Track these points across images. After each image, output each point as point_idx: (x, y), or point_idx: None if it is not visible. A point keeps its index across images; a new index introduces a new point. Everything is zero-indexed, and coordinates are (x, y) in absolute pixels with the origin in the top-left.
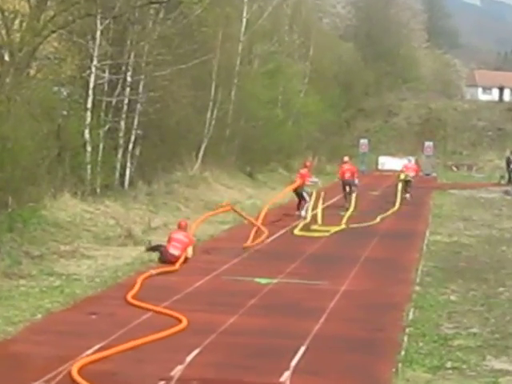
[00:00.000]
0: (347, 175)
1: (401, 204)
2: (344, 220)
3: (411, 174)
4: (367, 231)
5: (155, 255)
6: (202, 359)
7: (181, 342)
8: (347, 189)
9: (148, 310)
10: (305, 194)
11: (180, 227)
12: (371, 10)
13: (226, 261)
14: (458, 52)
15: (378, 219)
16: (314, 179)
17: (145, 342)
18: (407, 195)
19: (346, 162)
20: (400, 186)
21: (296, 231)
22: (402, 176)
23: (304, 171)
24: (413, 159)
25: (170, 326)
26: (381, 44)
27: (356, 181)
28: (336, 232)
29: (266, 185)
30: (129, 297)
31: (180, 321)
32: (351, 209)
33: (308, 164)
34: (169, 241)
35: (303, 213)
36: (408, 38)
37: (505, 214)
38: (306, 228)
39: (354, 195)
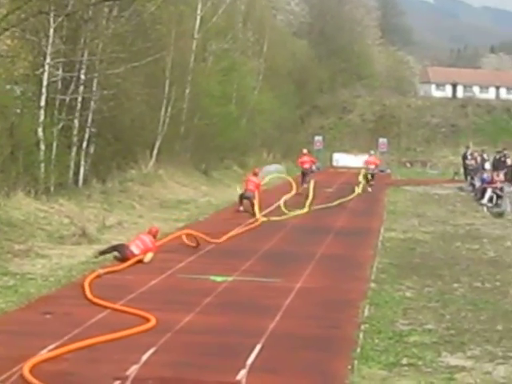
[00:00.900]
0: (306, 165)
1: (363, 191)
2: (306, 204)
3: (371, 166)
4: (322, 228)
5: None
6: (158, 358)
7: (136, 342)
8: (305, 177)
9: (113, 309)
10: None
11: (150, 232)
12: (325, 7)
13: (181, 259)
14: (411, 49)
15: (336, 203)
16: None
17: (100, 341)
18: (369, 189)
19: (305, 154)
20: (361, 177)
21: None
22: (363, 172)
23: (255, 179)
24: (373, 152)
25: (131, 325)
26: (335, 41)
27: (314, 167)
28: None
29: (221, 182)
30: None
31: (148, 320)
32: (310, 196)
33: (257, 171)
34: (134, 239)
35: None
36: (362, 35)
37: (459, 210)
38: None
39: (311, 182)
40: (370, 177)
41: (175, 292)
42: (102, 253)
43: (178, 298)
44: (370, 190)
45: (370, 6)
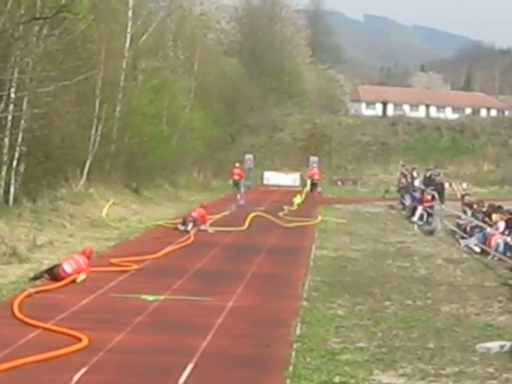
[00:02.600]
0: (236, 177)
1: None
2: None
3: (317, 177)
4: (253, 246)
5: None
6: (90, 378)
7: (67, 361)
8: (237, 187)
9: (44, 328)
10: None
11: (84, 253)
12: (255, 26)
13: (113, 278)
14: (342, 67)
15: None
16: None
17: (31, 361)
18: (317, 191)
19: (236, 167)
20: (308, 187)
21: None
22: (309, 181)
23: (201, 211)
24: (316, 164)
25: (62, 344)
26: (265, 59)
27: (242, 181)
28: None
29: (152, 201)
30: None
31: (80, 340)
32: (242, 201)
33: (205, 205)
34: (68, 258)
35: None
36: (292, 53)
37: (390, 228)
38: None
39: (242, 189)
40: (314, 186)
41: (107, 311)
42: (34, 278)
43: (110, 318)
44: (319, 189)
45: (299, 25)
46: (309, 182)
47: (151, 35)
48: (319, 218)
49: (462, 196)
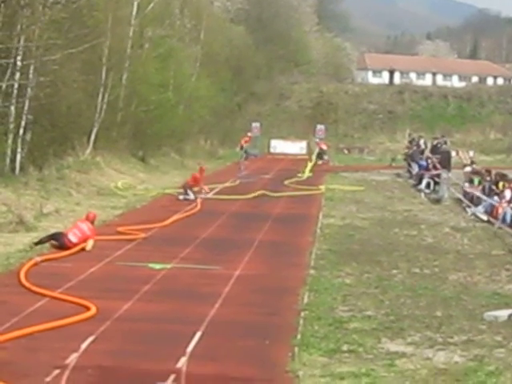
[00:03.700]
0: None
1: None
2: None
3: (324, 147)
4: (260, 215)
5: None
6: (97, 347)
7: (75, 330)
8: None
9: (52, 297)
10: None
11: (87, 218)
12: None
13: (120, 246)
14: (348, 36)
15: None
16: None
17: (39, 329)
18: (324, 159)
19: (248, 136)
20: (314, 157)
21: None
22: (317, 150)
23: (196, 174)
24: (322, 134)
25: (70, 313)
26: (272, 27)
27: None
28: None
29: (158, 169)
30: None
31: (88, 308)
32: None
33: (203, 167)
34: (72, 227)
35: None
36: (299, 21)
37: (396, 197)
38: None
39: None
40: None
41: (114, 280)
42: (38, 243)
43: (117, 286)
44: (326, 158)
45: None
46: (316, 151)
47: (158, 3)
48: (322, 187)
49: (469, 164)
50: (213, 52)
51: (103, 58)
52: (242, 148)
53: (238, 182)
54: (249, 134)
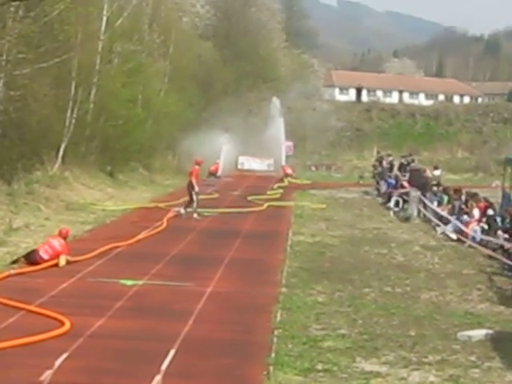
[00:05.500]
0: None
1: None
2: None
3: (289, 171)
4: (230, 231)
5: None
6: (72, 364)
7: (48, 347)
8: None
9: (27, 310)
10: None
11: (60, 234)
12: (230, 10)
13: (91, 262)
14: (316, 52)
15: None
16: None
17: (12, 345)
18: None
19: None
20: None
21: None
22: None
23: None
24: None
25: (42, 329)
26: (240, 43)
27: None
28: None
29: (127, 184)
30: None
31: (62, 323)
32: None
33: (199, 161)
34: (43, 244)
35: (182, 210)
36: (267, 37)
37: (365, 214)
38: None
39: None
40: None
41: (86, 296)
42: (13, 262)
43: (90, 302)
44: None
45: (274, 9)
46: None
47: (127, 18)
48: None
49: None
50: (181, 67)
51: (73, 73)
52: (212, 174)
53: (215, 195)
54: (217, 161)
